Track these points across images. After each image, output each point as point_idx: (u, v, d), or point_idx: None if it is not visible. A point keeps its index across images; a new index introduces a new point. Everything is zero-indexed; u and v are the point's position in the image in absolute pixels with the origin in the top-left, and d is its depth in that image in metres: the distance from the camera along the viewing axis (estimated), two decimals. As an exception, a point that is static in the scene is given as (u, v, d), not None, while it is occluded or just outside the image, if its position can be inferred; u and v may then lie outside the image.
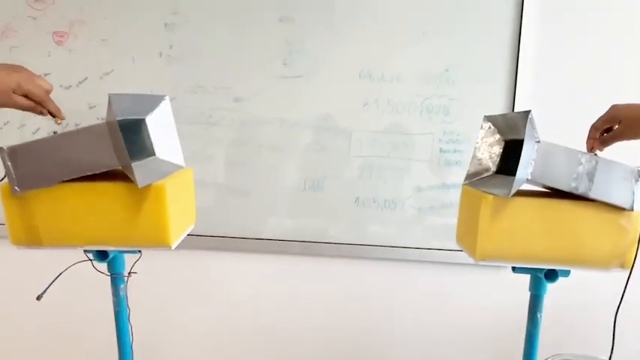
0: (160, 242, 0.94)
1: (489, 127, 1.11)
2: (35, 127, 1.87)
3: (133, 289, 1.16)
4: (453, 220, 1.86)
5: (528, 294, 1.15)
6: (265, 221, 1.93)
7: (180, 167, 1.05)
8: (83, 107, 1.87)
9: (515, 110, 1.82)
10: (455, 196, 1.87)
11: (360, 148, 1.88)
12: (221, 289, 2.00)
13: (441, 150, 1.87)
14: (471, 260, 1.08)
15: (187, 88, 1.85)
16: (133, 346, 1.20)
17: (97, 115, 1.86)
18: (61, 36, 1.83)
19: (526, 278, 1.14)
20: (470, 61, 1.81)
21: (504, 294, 1.92)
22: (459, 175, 1.87)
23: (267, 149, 1.88)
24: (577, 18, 1.79)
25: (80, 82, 1.85)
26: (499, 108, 1.83)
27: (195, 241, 1.82)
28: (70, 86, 1.85)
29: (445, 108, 1.85)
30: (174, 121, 1.06)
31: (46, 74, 1.84)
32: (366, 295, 1.99)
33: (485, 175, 1.11)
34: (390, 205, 1.91)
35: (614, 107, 1.04)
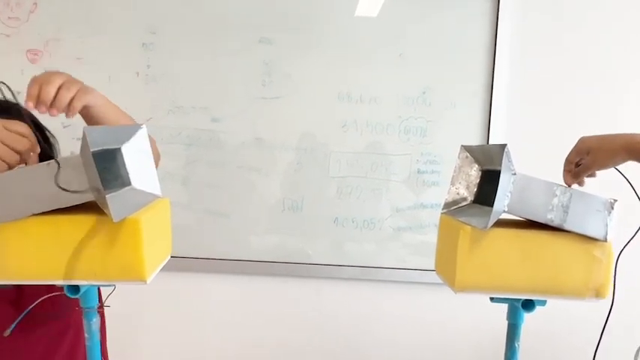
0: (135, 277, 0.92)
1: (466, 157, 1.12)
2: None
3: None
4: (431, 239, 1.88)
5: (505, 313, 1.16)
6: (244, 242, 1.91)
7: (156, 197, 1.02)
8: (57, 126, 1.81)
9: (490, 131, 1.85)
10: (433, 216, 1.89)
11: (339, 169, 1.88)
12: (200, 311, 1.97)
13: (418, 170, 1.88)
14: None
15: (165, 108, 1.83)
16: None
17: (72, 135, 1.82)
18: (35, 54, 1.79)
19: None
20: (446, 83, 1.84)
21: (482, 313, 1.93)
22: (436, 196, 1.88)
23: (245, 170, 1.87)
24: (549, 45, 1.83)
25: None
26: (475, 130, 1.86)
27: (173, 262, 1.77)
28: (44, 105, 1.81)
29: (422, 129, 1.87)
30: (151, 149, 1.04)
31: (18, 93, 1.79)
32: (345, 315, 1.98)
33: (462, 204, 1.12)
34: (369, 225, 1.91)
35: (581, 139, 1.05)
